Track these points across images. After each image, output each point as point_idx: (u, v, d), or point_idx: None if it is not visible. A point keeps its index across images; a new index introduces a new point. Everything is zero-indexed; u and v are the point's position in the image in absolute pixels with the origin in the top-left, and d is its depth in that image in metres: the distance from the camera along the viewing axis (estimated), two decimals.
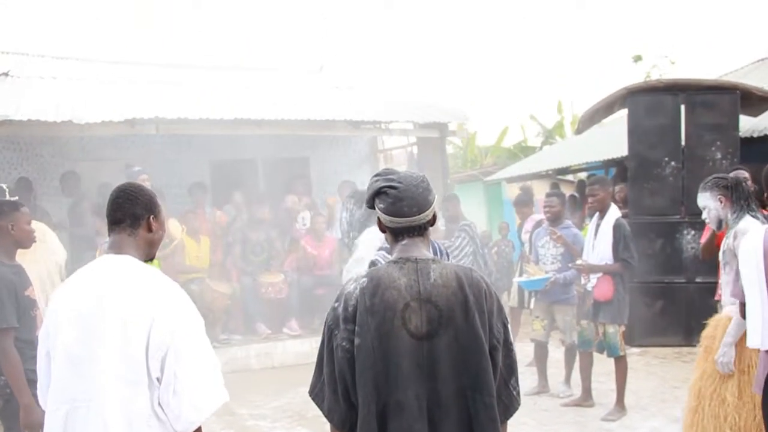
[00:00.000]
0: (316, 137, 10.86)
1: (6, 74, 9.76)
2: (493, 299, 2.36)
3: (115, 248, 2.58)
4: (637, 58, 27.40)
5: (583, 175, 13.47)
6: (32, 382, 3.68)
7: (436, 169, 9.95)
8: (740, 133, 8.56)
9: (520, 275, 7.33)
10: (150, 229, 2.62)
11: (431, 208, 2.39)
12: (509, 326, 2.43)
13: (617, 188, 9.45)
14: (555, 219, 6.67)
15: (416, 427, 2.24)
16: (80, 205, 8.63)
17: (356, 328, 2.28)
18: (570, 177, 14.24)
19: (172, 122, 8.26)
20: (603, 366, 6.50)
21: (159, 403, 2.40)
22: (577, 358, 6.50)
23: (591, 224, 6.29)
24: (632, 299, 8.42)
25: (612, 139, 10.52)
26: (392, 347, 2.26)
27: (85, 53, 11.54)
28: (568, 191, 10.37)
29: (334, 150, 11.31)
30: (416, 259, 2.35)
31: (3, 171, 9.59)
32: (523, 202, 8.78)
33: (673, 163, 8.43)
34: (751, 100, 8.74)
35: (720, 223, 4.29)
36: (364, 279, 2.35)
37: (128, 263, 2.55)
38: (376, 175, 2.46)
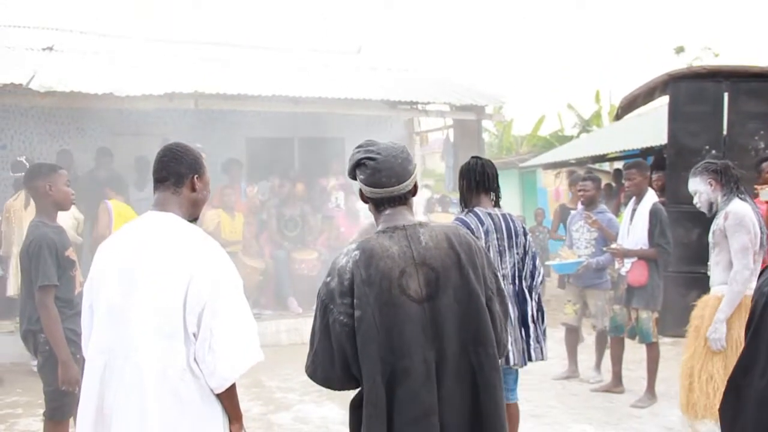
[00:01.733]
0: (353, 118, 10.88)
1: (50, 48, 9.93)
2: (482, 253, 2.43)
3: (159, 205, 2.62)
4: (680, 50, 26.97)
5: (619, 164, 13.30)
6: (70, 341, 3.82)
7: (471, 153, 9.86)
8: None
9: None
10: (194, 189, 2.64)
11: (411, 178, 2.44)
12: (499, 275, 2.56)
13: (654, 176, 9.32)
14: (590, 203, 6.61)
15: (424, 391, 2.25)
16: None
17: (355, 301, 2.28)
18: (606, 167, 14.09)
19: (210, 97, 8.35)
20: (634, 353, 6.46)
21: (195, 359, 2.43)
22: (608, 343, 6.45)
23: (627, 209, 6.21)
24: (666, 288, 8.35)
25: (650, 128, 10.37)
26: (394, 315, 2.27)
27: (127, 31, 11.66)
28: (605, 180, 10.26)
29: (371, 131, 11.28)
30: (404, 226, 2.39)
31: (45, 143, 9.79)
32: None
33: (713, 152, 8.25)
34: None
35: (711, 206, 4.44)
36: (356, 252, 2.36)
37: (171, 220, 2.58)
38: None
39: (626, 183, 6.16)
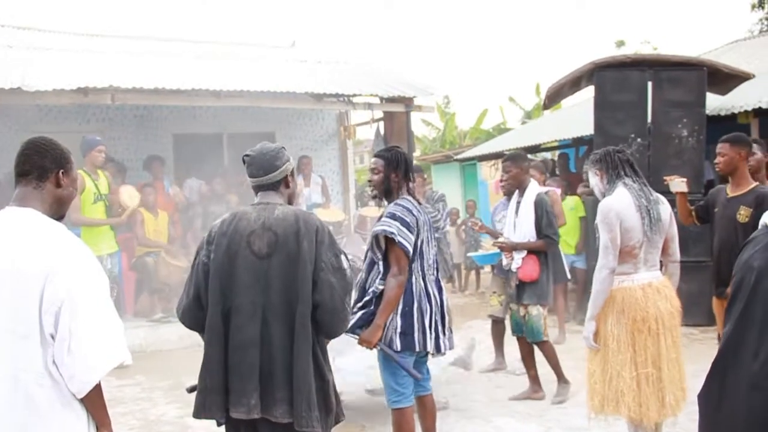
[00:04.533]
0: (282, 112, 10.68)
1: None
2: (324, 234, 2.97)
3: (19, 200, 2.47)
4: (620, 43, 27.51)
5: (546, 155, 13.42)
6: None
7: (401, 144, 9.78)
8: (708, 112, 8.44)
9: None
10: (59, 185, 2.51)
11: (278, 171, 3.08)
12: (345, 257, 3.01)
13: (585, 167, 9.36)
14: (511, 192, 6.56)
15: (249, 325, 2.87)
16: None
17: (213, 247, 2.96)
18: (548, 155, 14.18)
19: (127, 92, 8.03)
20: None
21: (54, 362, 2.30)
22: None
23: (511, 203, 5.95)
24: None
25: (582, 117, 10.40)
26: (236, 263, 2.92)
27: (44, 24, 11.26)
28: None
29: (301, 125, 11.13)
30: (267, 202, 3.06)
31: None
32: None
33: (639, 139, 8.31)
34: (718, 78, 8.64)
35: (604, 196, 4.25)
36: (228, 214, 3.08)
37: (29, 215, 2.43)
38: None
39: (504, 177, 5.92)
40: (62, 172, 2.51)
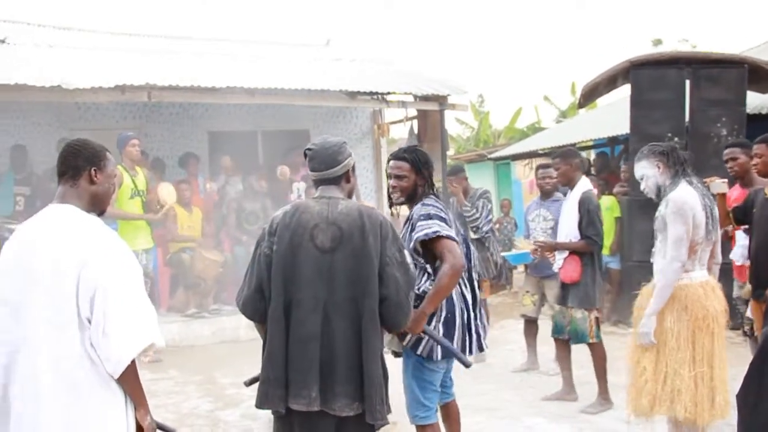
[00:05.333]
0: (316, 110, 10.72)
1: (2, 41, 9.68)
2: (388, 229, 2.97)
3: (59, 198, 2.71)
4: (657, 42, 27.00)
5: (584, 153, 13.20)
6: None
7: (435, 144, 9.77)
8: (748, 110, 8.27)
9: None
10: (92, 182, 2.71)
11: (340, 166, 3.08)
12: (407, 252, 3.06)
13: (623, 167, 9.23)
14: (551, 191, 6.55)
15: (310, 319, 2.89)
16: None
17: (275, 239, 2.97)
18: (583, 155, 14.03)
19: (163, 89, 8.13)
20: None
21: (91, 344, 2.48)
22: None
23: (563, 201, 5.87)
24: (631, 278, 8.27)
25: (618, 116, 10.27)
26: (299, 256, 2.92)
27: (84, 23, 11.44)
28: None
29: (335, 123, 11.15)
30: (330, 196, 3.06)
31: (0, 138, 9.53)
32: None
33: (676, 139, 8.16)
34: (760, 76, 8.44)
35: (659, 190, 4.20)
36: (290, 206, 3.07)
37: (67, 211, 2.65)
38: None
39: (554, 174, 5.83)
40: (95, 170, 2.72)
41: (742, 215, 5.11)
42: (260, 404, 2.98)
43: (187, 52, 10.28)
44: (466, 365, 3.64)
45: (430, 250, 3.60)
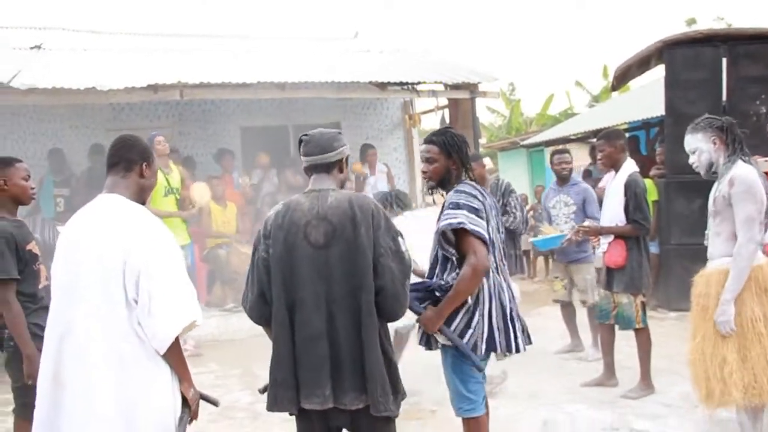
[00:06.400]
0: (347, 102, 10.74)
1: (38, 47, 9.86)
2: (380, 218, 2.92)
3: (108, 188, 2.89)
4: (691, 21, 26.49)
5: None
6: (35, 336, 3.73)
7: (467, 133, 9.71)
8: None
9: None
10: (142, 175, 2.92)
11: (335, 152, 3.03)
12: (402, 239, 2.94)
13: (658, 149, 9.08)
14: (569, 176, 6.55)
15: (314, 318, 2.85)
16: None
17: (270, 241, 2.94)
18: None
19: (195, 87, 8.21)
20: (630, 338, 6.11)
21: (138, 323, 2.65)
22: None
23: (607, 183, 5.77)
24: (669, 262, 8.16)
25: (653, 99, 10.11)
26: (296, 256, 2.89)
27: (118, 26, 11.59)
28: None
29: (366, 115, 11.15)
30: (319, 189, 2.99)
31: (38, 143, 9.72)
32: None
33: None
34: None
35: (710, 167, 3.94)
36: (280, 205, 3.01)
37: (116, 200, 2.83)
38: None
39: (598, 156, 5.66)
40: (145, 165, 2.92)
41: None
42: (270, 407, 2.97)
43: (217, 50, 10.38)
44: (479, 369, 3.52)
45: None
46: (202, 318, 2.78)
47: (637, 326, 5.38)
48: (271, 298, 2.92)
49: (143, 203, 2.94)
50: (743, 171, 3.77)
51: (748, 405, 3.82)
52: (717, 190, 3.88)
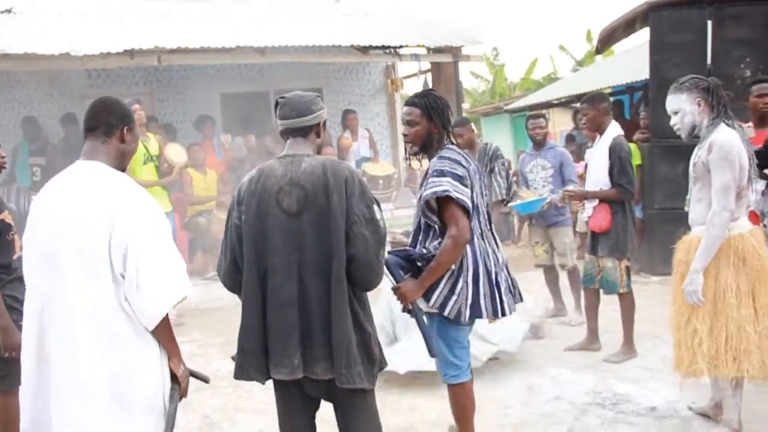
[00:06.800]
0: (328, 67, 10.59)
1: (9, 11, 9.56)
2: (354, 184, 2.82)
3: (87, 154, 2.72)
4: None
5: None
6: (10, 308, 3.63)
7: (450, 97, 9.59)
8: None
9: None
10: (123, 140, 2.74)
11: (312, 116, 2.94)
12: (378, 207, 2.87)
13: (642, 113, 9.03)
14: (543, 140, 6.52)
15: (286, 285, 2.79)
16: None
17: (243, 208, 2.87)
18: None
19: (172, 52, 8.03)
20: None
21: (126, 298, 2.53)
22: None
23: (593, 147, 5.65)
24: (652, 226, 8.15)
25: (637, 63, 10.02)
26: (268, 223, 2.81)
27: None
28: None
29: (348, 80, 11.01)
30: (294, 154, 2.91)
31: (11, 110, 9.52)
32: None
33: None
34: None
35: (693, 129, 3.82)
36: (255, 171, 2.94)
37: (97, 167, 2.67)
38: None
39: (582, 120, 5.60)
40: (126, 129, 2.74)
41: (764, 159, 4.90)
42: (237, 376, 2.91)
43: (196, 14, 10.12)
44: (432, 355, 3.42)
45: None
46: (191, 290, 2.69)
47: (621, 291, 5.38)
48: (242, 265, 2.86)
49: (123, 170, 2.79)
50: (723, 136, 3.65)
51: (712, 376, 3.80)
52: (696, 156, 3.78)
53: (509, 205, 6.59)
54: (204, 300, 7.89)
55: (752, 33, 7.86)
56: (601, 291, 5.53)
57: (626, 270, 5.38)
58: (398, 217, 8.35)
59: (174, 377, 2.69)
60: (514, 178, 7.20)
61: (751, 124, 5.05)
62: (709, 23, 7.95)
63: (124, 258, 2.50)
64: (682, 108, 3.81)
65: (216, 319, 7.33)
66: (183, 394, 2.75)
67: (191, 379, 2.85)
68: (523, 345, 5.79)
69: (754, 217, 4.98)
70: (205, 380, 2.99)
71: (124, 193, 2.60)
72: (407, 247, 3.59)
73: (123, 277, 2.51)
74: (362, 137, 9.67)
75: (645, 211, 8.44)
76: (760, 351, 3.63)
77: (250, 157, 9.30)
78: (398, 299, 3.47)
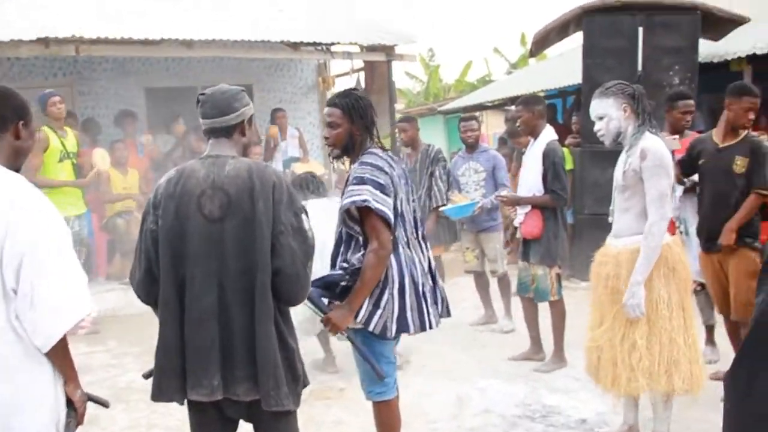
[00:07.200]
0: (260, 63, 10.29)
1: None
2: (282, 191, 2.62)
3: None
4: None
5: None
6: None
7: (383, 97, 9.45)
8: (699, 59, 8.12)
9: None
10: (18, 136, 2.45)
11: (235, 114, 2.72)
12: (306, 217, 2.67)
13: (575, 118, 9.05)
14: (475, 143, 6.42)
15: (205, 298, 2.57)
16: None
17: (160, 212, 2.63)
18: None
19: (92, 43, 7.60)
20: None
21: (17, 317, 2.26)
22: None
23: (527, 151, 5.53)
24: (583, 231, 8.16)
25: (570, 67, 10.06)
26: (187, 228, 2.59)
27: None
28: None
29: (279, 77, 10.73)
30: (217, 155, 2.70)
31: None
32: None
33: None
34: (711, 22, 8.28)
35: (618, 136, 3.74)
36: (174, 171, 2.72)
37: None
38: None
39: (517, 123, 5.47)
40: (22, 124, 2.46)
41: (688, 167, 4.90)
42: (155, 397, 2.69)
43: (119, 3, 9.67)
44: (380, 377, 3.26)
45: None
46: (94, 308, 2.39)
47: (552, 298, 5.29)
48: (158, 273, 2.62)
49: (17, 170, 2.47)
50: (654, 143, 3.60)
51: (653, 392, 3.71)
52: (627, 163, 3.68)
53: (440, 209, 6.42)
54: (122, 306, 7.46)
55: (680, 41, 7.95)
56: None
57: (557, 277, 5.31)
58: None
59: (70, 403, 2.41)
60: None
61: (677, 136, 5.05)
62: (641, 30, 8.00)
63: (18, 272, 2.22)
64: (608, 113, 3.72)
65: (134, 326, 6.94)
66: (80, 421, 2.49)
67: (100, 392, 2.66)
68: (452, 354, 5.66)
69: (671, 226, 4.98)
70: (105, 405, 2.72)
71: (20, 196, 2.30)
72: (325, 274, 3.34)
73: (15, 292, 2.23)
74: (291, 136, 9.39)
75: (575, 216, 8.46)
76: (689, 363, 3.59)
77: (176, 151, 8.90)
78: (330, 331, 3.25)
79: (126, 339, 6.53)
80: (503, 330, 6.36)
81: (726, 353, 5.03)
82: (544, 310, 5.53)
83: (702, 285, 5.11)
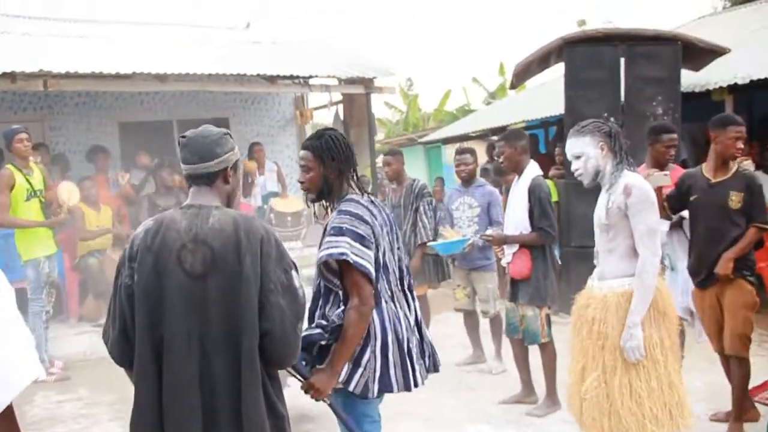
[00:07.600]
0: (237, 97, 10.13)
1: None
2: (271, 246, 2.41)
3: None
4: (581, 23, 27.19)
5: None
6: None
7: (362, 130, 9.29)
8: (681, 89, 8.06)
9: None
10: None
11: (216, 161, 2.49)
12: (296, 273, 2.46)
13: (557, 150, 8.93)
14: (470, 177, 6.21)
15: (185, 362, 2.33)
16: None
17: (136, 265, 2.39)
18: None
19: (61, 77, 7.36)
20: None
21: None
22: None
23: (511, 188, 5.38)
24: (569, 265, 7.99)
25: (551, 97, 9.99)
26: (167, 285, 2.36)
27: None
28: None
29: (256, 110, 10.55)
30: (200, 205, 2.48)
31: None
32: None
33: (612, 119, 7.86)
34: (692, 53, 8.24)
35: (597, 175, 3.64)
36: (152, 221, 2.49)
37: None
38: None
39: (500, 159, 5.29)
40: None
41: (677, 203, 4.77)
42: None
43: (90, 36, 9.48)
44: None
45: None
46: (44, 372, 2.15)
47: (542, 341, 5.09)
48: (134, 334, 2.39)
49: None
50: (637, 179, 3.56)
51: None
52: (610, 201, 3.57)
53: (429, 244, 6.20)
54: (94, 350, 7.14)
55: (662, 71, 7.90)
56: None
57: (547, 318, 5.12)
58: (308, 256, 7.86)
59: None
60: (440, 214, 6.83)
61: (668, 172, 4.92)
62: (622, 60, 7.94)
63: None
64: (585, 152, 3.63)
65: (107, 372, 6.54)
66: None
67: None
68: (438, 398, 5.42)
69: None
70: None
71: None
72: (305, 333, 2.99)
73: None
74: (269, 171, 9.18)
75: (562, 249, 8.29)
76: (687, 403, 3.56)
77: (147, 185, 8.63)
78: (312, 397, 2.99)
79: (98, 386, 6.21)
80: (492, 371, 6.13)
81: (720, 390, 4.86)
82: (534, 350, 5.33)
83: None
